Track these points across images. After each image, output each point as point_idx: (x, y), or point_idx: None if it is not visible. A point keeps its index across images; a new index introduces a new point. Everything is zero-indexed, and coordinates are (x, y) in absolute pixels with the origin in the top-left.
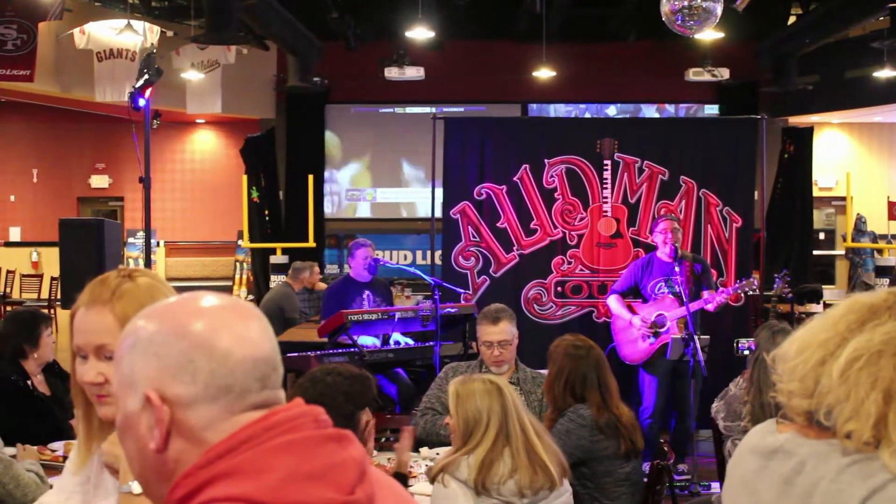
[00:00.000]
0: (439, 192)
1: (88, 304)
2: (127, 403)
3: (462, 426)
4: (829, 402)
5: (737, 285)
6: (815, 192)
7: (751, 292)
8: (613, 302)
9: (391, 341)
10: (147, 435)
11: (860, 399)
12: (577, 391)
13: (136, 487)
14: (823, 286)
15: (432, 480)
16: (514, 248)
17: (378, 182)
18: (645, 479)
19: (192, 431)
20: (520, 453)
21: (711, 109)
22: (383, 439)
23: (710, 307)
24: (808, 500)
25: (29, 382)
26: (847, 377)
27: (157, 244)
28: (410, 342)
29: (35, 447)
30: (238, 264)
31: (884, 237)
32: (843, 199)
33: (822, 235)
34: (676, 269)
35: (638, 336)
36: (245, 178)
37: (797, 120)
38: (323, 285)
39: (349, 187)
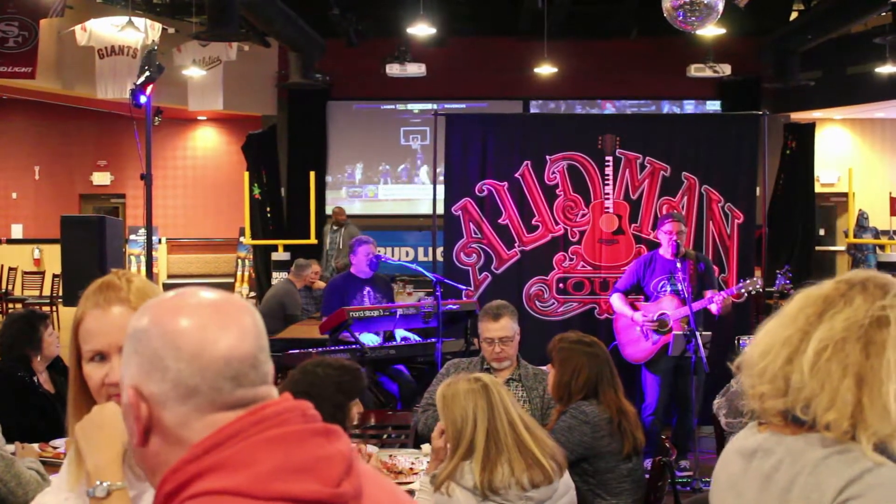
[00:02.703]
0: (441, 188)
1: (104, 306)
2: (122, 396)
3: (451, 429)
4: (805, 397)
5: (740, 285)
6: (817, 188)
7: (754, 292)
8: (616, 300)
9: (399, 338)
10: (132, 428)
11: (835, 388)
12: (593, 389)
13: (101, 491)
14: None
15: (436, 490)
16: (516, 245)
17: (380, 179)
18: (647, 476)
19: (168, 429)
20: (511, 451)
21: (713, 105)
22: (385, 436)
23: (713, 308)
24: (786, 495)
25: (35, 379)
26: (818, 369)
27: (159, 241)
28: (418, 338)
29: (35, 445)
30: (240, 261)
31: (886, 233)
32: (845, 195)
33: (823, 231)
34: (678, 265)
35: (641, 334)
36: (247, 174)
37: (799, 116)
38: (322, 284)
39: (351, 184)
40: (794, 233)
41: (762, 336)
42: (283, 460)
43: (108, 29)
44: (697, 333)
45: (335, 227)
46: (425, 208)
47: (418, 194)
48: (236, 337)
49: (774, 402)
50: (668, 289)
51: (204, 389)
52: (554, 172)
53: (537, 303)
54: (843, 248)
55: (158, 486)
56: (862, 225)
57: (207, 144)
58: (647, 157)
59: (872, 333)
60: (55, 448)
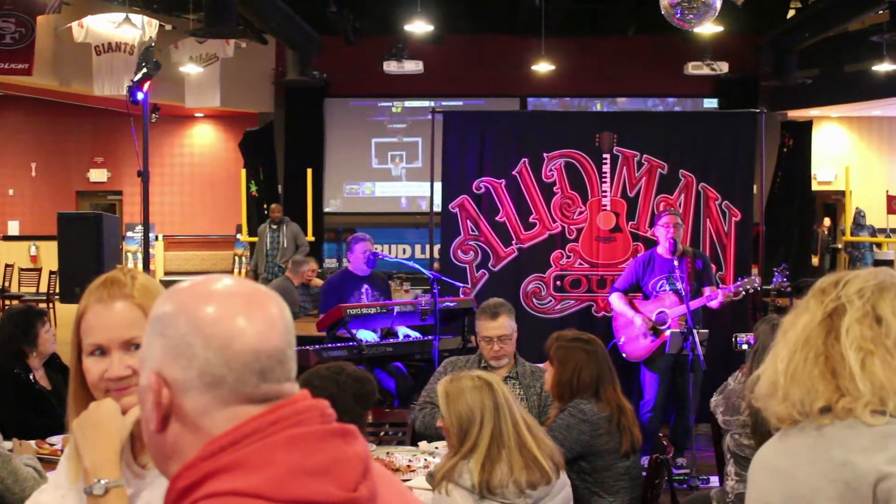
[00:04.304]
0: (438, 185)
1: (107, 301)
2: (141, 379)
3: (456, 426)
4: (792, 401)
5: (738, 283)
6: (815, 186)
7: (751, 290)
8: (616, 300)
9: (401, 335)
10: (150, 413)
11: (809, 382)
12: (594, 386)
13: (99, 489)
14: None
15: (434, 489)
16: (513, 242)
17: (377, 176)
18: (644, 473)
19: (188, 417)
20: (512, 451)
21: (710, 103)
22: (382, 433)
23: (713, 304)
24: (825, 457)
25: (31, 376)
26: (794, 372)
27: (156, 238)
28: (419, 335)
29: (32, 442)
30: (237, 258)
31: (882, 231)
32: (842, 192)
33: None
34: (676, 264)
35: (640, 333)
36: (244, 171)
37: (796, 114)
38: (319, 281)
39: (348, 181)
40: (791, 231)
41: (759, 376)
42: (300, 462)
43: (105, 25)
44: (695, 331)
45: (274, 226)
46: (422, 206)
47: (415, 192)
48: (265, 330)
49: (783, 409)
50: (667, 288)
51: (230, 381)
52: (551, 170)
53: (534, 300)
54: (839, 245)
55: (172, 481)
56: (859, 223)
57: (204, 141)
58: (645, 155)
59: (832, 322)
60: (52, 445)
